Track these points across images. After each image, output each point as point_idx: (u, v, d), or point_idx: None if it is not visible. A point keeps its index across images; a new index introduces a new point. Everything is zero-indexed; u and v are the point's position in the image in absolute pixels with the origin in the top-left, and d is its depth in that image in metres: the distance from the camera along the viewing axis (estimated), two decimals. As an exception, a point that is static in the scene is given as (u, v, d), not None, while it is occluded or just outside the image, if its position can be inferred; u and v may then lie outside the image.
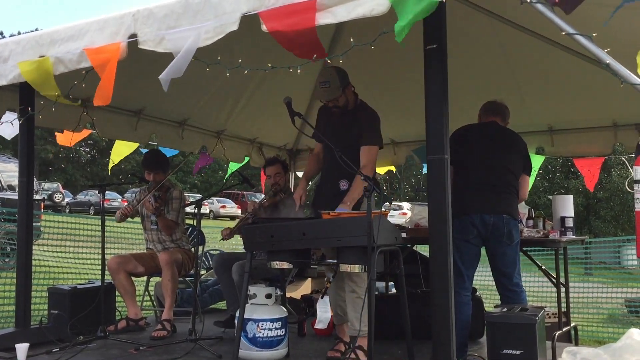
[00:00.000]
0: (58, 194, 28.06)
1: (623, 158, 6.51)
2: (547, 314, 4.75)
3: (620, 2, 2.44)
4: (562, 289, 4.53)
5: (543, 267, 4.60)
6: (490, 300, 6.95)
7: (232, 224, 5.25)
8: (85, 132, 5.43)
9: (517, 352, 3.06)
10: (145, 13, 3.07)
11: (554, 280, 4.50)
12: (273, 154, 6.90)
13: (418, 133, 5.00)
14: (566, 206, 4.68)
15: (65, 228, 8.20)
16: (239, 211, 29.33)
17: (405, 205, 28.18)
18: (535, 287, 8.14)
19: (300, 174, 7.41)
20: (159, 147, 5.82)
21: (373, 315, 3.01)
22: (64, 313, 4.43)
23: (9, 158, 13.12)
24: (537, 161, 6.21)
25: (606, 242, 12.96)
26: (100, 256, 4.63)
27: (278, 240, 3.38)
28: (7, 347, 3.88)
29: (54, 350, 3.94)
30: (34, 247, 4.49)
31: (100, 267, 4.60)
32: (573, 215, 4.68)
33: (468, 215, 3.72)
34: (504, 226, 3.73)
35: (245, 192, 32.40)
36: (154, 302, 5.75)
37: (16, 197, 4.43)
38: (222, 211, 30.56)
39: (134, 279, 4.96)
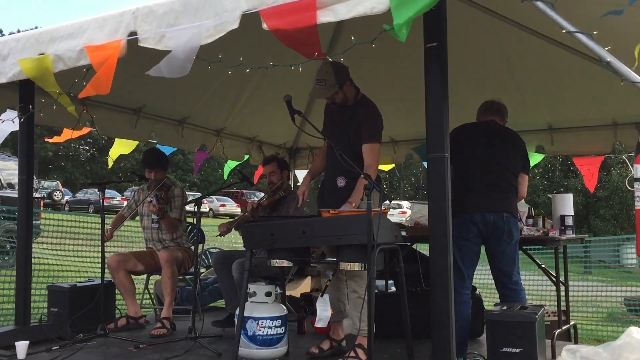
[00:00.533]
0: (58, 192, 28.03)
1: (623, 156, 6.51)
2: (547, 313, 4.76)
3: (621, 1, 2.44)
4: (562, 288, 4.53)
5: (543, 266, 4.61)
6: (490, 299, 6.96)
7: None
8: (85, 130, 5.43)
9: (517, 351, 3.06)
10: (144, 11, 3.07)
11: (553, 278, 4.50)
12: (273, 152, 6.90)
13: (418, 131, 5.00)
14: (566, 205, 4.68)
15: (65, 226, 8.21)
16: (239, 209, 29.33)
17: (405, 203, 28.21)
18: (535, 285, 8.15)
19: (299, 172, 7.42)
20: (158, 145, 5.82)
21: (373, 313, 3.01)
22: (63, 311, 4.44)
23: (9, 156, 13.10)
24: (536, 160, 6.22)
25: (605, 240, 12.97)
26: (99, 254, 4.63)
27: (278, 239, 3.38)
28: (6, 345, 3.88)
29: (53, 348, 3.94)
30: (33, 245, 4.49)
31: (100, 265, 4.60)
32: (573, 213, 4.68)
33: (468, 213, 3.72)
34: (504, 224, 3.73)
35: (244, 191, 32.40)
36: (154, 300, 5.76)
37: (16, 195, 4.43)
38: (222, 209, 30.55)
39: (133, 277, 4.97)
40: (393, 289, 5.64)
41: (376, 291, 4.32)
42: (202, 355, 3.89)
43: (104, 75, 3.08)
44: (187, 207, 5.09)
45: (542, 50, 4.24)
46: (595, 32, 2.44)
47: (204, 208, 27.42)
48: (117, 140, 5.98)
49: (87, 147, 44.54)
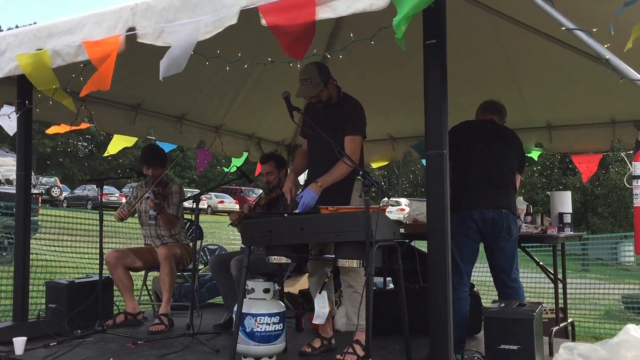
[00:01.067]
0: (56, 188, 27.99)
1: (622, 154, 6.51)
2: (545, 310, 4.77)
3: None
4: (560, 285, 4.54)
5: (541, 263, 4.61)
6: (488, 296, 6.98)
7: (230, 219, 5.23)
8: (84, 126, 5.42)
9: (515, 348, 3.07)
10: (143, 6, 3.06)
11: (551, 276, 4.51)
12: (271, 149, 6.90)
13: (417, 128, 5.00)
14: (564, 202, 4.69)
15: (63, 222, 8.20)
16: (237, 206, 29.32)
17: (404, 200, 28.22)
18: (533, 283, 8.16)
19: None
20: (157, 142, 5.81)
21: (371, 310, 3.01)
22: (61, 307, 4.43)
23: (7, 152, 13.08)
24: (534, 156, 6.23)
25: (603, 238, 13.00)
26: (98, 250, 4.63)
27: (276, 235, 3.38)
28: (4, 341, 3.88)
29: (51, 344, 3.94)
30: (31, 241, 4.49)
31: (98, 261, 4.60)
32: (571, 211, 4.69)
33: (467, 210, 3.73)
34: (503, 221, 3.74)
35: (243, 187, 32.38)
36: (152, 297, 5.76)
37: (14, 191, 4.41)
38: (220, 206, 30.52)
39: (132, 273, 4.96)
40: (391, 285, 5.65)
41: (374, 288, 4.33)
42: (200, 352, 3.89)
43: (104, 71, 3.07)
44: (186, 204, 5.09)
45: (542, 48, 4.25)
46: (594, 30, 2.44)
47: (203, 205, 27.54)
48: (115, 136, 5.97)
49: (86, 144, 44.46)
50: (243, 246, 4.83)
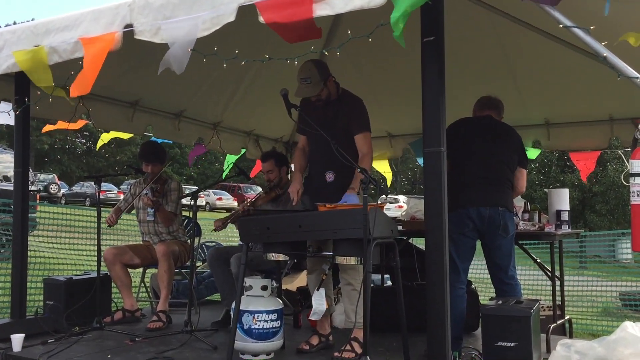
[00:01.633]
0: (54, 185, 27.98)
1: (619, 152, 6.52)
2: (542, 307, 4.77)
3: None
4: (557, 282, 4.54)
5: (538, 261, 4.62)
6: (486, 294, 6.98)
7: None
8: (81, 123, 5.41)
9: (512, 345, 3.07)
10: (141, 3, 3.06)
11: (549, 273, 4.51)
12: (269, 146, 6.89)
13: (415, 126, 4.99)
14: (562, 200, 4.69)
15: (61, 219, 8.19)
16: (235, 203, 29.32)
17: (402, 198, 28.22)
18: (530, 280, 8.17)
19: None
20: (154, 139, 5.81)
21: (369, 307, 3.02)
22: (59, 304, 4.43)
23: (5, 149, 13.06)
24: (533, 154, 6.23)
25: (601, 235, 13.02)
26: (96, 247, 4.62)
27: (274, 233, 3.38)
28: (2, 338, 3.88)
29: (49, 341, 3.94)
30: (29, 238, 4.48)
31: (96, 258, 4.60)
32: (568, 208, 4.70)
33: (464, 208, 3.73)
34: (499, 219, 3.74)
35: (241, 185, 32.37)
36: (150, 294, 5.76)
37: (11, 188, 4.41)
38: (219, 203, 30.53)
39: (130, 270, 4.96)
40: (389, 283, 5.65)
41: (372, 285, 4.34)
42: (198, 349, 3.89)
43: (86, 75, 3.06)
44: (184, 201, 5.09)
45: (540, 45, 4.24)
46: (592, 27, 2.44)
47: (201, 202, 27.55)
48: (112, 132, 5.97)
49: (84, 140, 44.40)
50: (241, 243, 4.83)
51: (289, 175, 5.14)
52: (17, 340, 3.76)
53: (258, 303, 3.53)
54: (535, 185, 24.90)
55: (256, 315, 3.47)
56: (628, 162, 2.59)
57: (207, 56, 2.93)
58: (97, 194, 4.63)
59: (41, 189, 23.99)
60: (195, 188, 5.83)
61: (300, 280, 6.18)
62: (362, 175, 3.15)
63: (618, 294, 8.98)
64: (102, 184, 4.72)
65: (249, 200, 4.94)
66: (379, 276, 5.53)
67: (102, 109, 5.14)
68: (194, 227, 4.72)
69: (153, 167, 4.95)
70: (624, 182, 2.80)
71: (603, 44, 2.43)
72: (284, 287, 5.32)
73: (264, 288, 3.58)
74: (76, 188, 31.37)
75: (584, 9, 2.75)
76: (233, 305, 3.57)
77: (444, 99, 2.85)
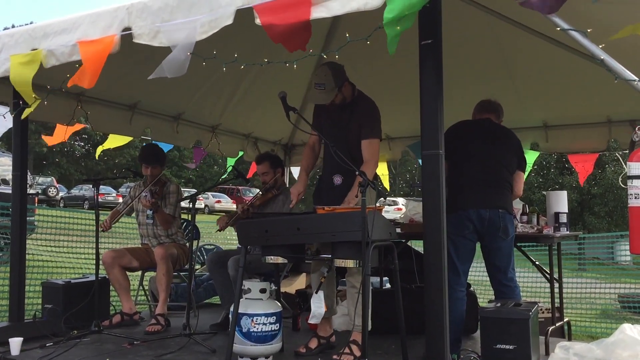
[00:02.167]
0: (52, 188, 27.93)
1: (617, 154, 6.53)
2: (541, 309, 4.77)
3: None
4: (556, 285, 4.54)
5: (537, 263, 4.62)
6: (485, 296, 6.98)
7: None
8: (79, 126, 5.42)
9: (511, 347, 3.07)
10: (139, 6, 3.06)
11: (547, 275, 4.51)
12: (268, 148, 6.89)
13: (413, 128, 5.00)
14: (560, 202, 4.70)
15: (60, 222, 8.18)
16: (234, 206, 29.28)
17: (400, 200, 28.24)
18: (529, 282, 8.17)
19: (294, 169, 7.41)
20: (153, 142, 5.81)
21: (368, 310, 3.01)
22: (57, 307, 4.43)
23: (3, 152, 13.06)
24: (531, 157, 6.23)
25: (600, 238, 13.04)
26: (94, 250, 4.62)
27: (272, 235, 3.38)
28: (0, 341, 3.87)
29: (47, 345, 3.93)
30: (27, 241, 4.48)
31: (94, 261, 4.59)
32: (567, 211, 4.70)
33: (464, 210, 3.73)
34: (499, 220, 3.74)
35: (240, 187, 32.36)
36: (149, 297, 5.75)
37: (10, 192, 4.40)
38: (217, 206, 30.50)
39: (128, 273, 4.96)
40: (388, 285, 5.65)
41: (372, 288, 4.33)
42: (196, 352, 3.89)
43: (90, 69, 3.06)
44: (183, 204, 5.09)
45: (537, 48, 4.25)
46: (589, 30, 2.44)
47: (200, 204, 27.51)
48: (110, 135, 5.97)
49: (82, 143, 44.37)
50: (240, 246, 4.83)
51: (284, 176, 5.15)
52: (15, 343, 3.76)
53: (257, 306, 3.52)
54: (533, 187, 24.91)
55: (255, 318, 3.47)
56: (626, 164, 2.59)
57: (207, 59, 2.93)
58: (95, 197, 4.63)
59: (39, 192, 23.96)
60: (194, 191, 5.82)
61: (299, 283, 6.18)
62: (359, 183, 3.14)
63: (617, 296, 8.99)
64: (101, 187, 4.73)
65: (247, 202, 4.94)
66: (378, 279, 5.53)
67: (101, 111, 5.14)
68: (193, 230, 4.72)
69: (152, 169, 4.95)
70: (622, 185, 2.80)
71: (600, 46, 2.44)
72: (282, 289, 5.31)
73: (263, 291, 3.58)
74: (75, 191, 31.34)
75: (582, 12, 2.76)
76: (232, 308, 3.57)
77: (442, 102, 2.85)
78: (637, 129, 2.54)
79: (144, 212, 5.00)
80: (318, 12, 2.58)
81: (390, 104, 5.65)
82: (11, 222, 4.32)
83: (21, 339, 3.81)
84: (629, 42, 2.55)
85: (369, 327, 3.58)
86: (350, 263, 3.17)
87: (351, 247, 3.14)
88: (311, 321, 3.47)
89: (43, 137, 5.83)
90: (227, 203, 30.71)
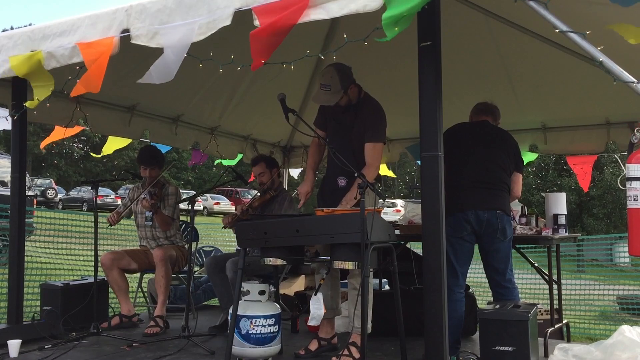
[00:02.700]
0: (51, 190, 27.91)
1: (616, 156, 6.54)
2: (540, 311, 4.78)
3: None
4: (555, 286, 4.55)
5: (536, 264, 4.62)
6: (484, 298, 6.98)
7: (226, 220, 5.22)
8: (78, 129, 5.41)
9: (510, 349, 3.07)
10: (138, 8, 3.06)
11: (546, 277, 4.52)
12: (267, 150, 6.90)
13: (412, 130, 5.00)
14: (559, 204, 4.70)
15: (58, 224, 8.18)
16: (233, 208, 29.27)
17: (399, 202, 28.24)
18: (528, 284, 8.18)
19: (293, 170, 7.40)
20: (151, 143, 5.80)
21: (366, 312, 3.01)
22: (56, 309, 4.42)
23: (2, 154, 13.02)
24: (530, 159, 6.24)
25: (598, 239, 13.05)
26: (93, 252, 4.61)
27: (271, 237, 3.38)
28: (-1, 344, 3.87)
29: (46, 347, 3.92)
30: (26, 243, 4.47)
31: (93, 263, 4.59)
32: (566, 212, 4.70)
33: (462, 212, 3.73)
34: (497, 222, 3.75)
35: (239, 189, 32.35)
36: (147, 299, 5.74)
37: (8, 193, 4.40)
38: (216, 208, 30.49)
39: (127, 275, 4.95)
40: (387, 287, 5.65)
41: (375, 289, 4.33)
42: (195, 354, 3.88)
43: (94, 73, 3.07)
44: (182, 206, 5.09)
45: (536, 50, 4.26)
46: (588, 32, 2.44)
47: (198, 206, 27.49)
48: (110, 137, 5.96)
49: (81, 145, 44.34)
50: (238, 248, 4.83)
51: (280, 177, 5.15)
52: (13, 346, 3.75)
53: (256, 308, 3.52)
54: (532, 189, 24.96)
55: (254, 320, 3.46)
56: (624, 165, 2.59)
57: (204, 61, 2.93)
58: (94, 199, 4.63)
59: (38, 194, 23.92)
60: (192, 193, 5.81)
61: (298, 284, 6.18)
62: (358, 185, 3.14)
63: (615, 297, 8.98)
64: (100, 188, 4.72)
65: (245, 203, 4.94)
66: (377, 280, 5.53)
67: (99, 113, 5.14)
68: (192, 231, 4.72)
69: (151, 171, 4.94)
70: (620, 186, 2.80)
71: (599, 48, 2.44)
72: (281, 291, 5.31)
73: (262, 293, 3.58)
74: (73, 193, 31.31)
75: (581, 13, 2.76)
76: (231, 310, 3.57)
77: (440, 103, 2.85)
78: (635, 130, 2.54)
79: (143, 214, 5.00)
80: (317, 14, 2.58)
81: (388, 105, 5.64)
82: (10, 223, 4.31)
83: (20, 341, 3.80)
84: (628, 44, 2.55)
85: (369, 329, 3.59)
86: (349, 265, 3.17)
87: (350, 248, 3.14)
88: (311, 323, 3.46)
89: (43, 145, 5.82)
90: (225, 205, 30.70)
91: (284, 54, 2.82)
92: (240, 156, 6.83)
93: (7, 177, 10.74)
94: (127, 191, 5.50)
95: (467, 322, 4.04)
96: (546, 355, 3.79)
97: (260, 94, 5.63)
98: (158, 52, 2.96)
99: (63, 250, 8.12)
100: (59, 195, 29.38)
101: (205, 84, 5.32)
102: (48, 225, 8.10)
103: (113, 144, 6.04)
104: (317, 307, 3.40)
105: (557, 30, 2.47)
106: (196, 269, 6.84)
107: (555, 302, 4.54)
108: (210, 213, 29.77)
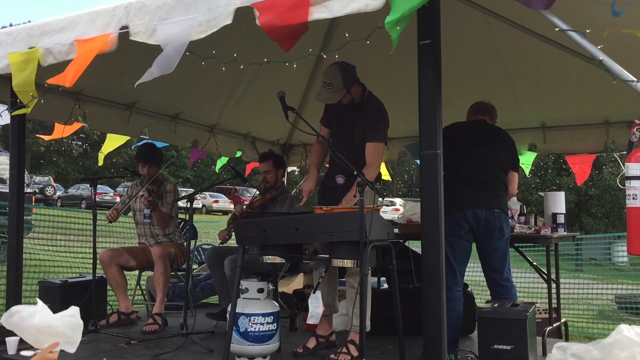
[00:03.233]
0: (49, 187, 27.86)
1: (615, 155, 6.55)
2: (538, 310, 4.78)
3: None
4: (553, 285, 4.55)
5: (534, 263, 4.62)
6: (482, 296, 6.99)
7: (224, 218, 5.23)
8: (77, 126, 5.40)
9: (508, 348, 3.08)
10: (137, 5, 3.05)
11: (544, 276, 4.52)
12: (266, 148, 6.89)
13: (411, 129, 5.00)
14: (557, 203, 4.70)
15: (57, 222, 8.17)
16: (232, 206, 29.25)
17: (398, 200, 28.24)
18: (526, 283, 8.18)
19: (292, 170, 7.39)
20: (150, 141, 5.80)
21: (365, 310, 3.01)
22: (55, 307, 4.40)
23: (0, 151, 13.02)
24: (529, 158, 6.24)
25: (597, 238, 13.06)
26: (91, 250, 4.61)
27: (270, 235, 3.38)
28: (-3, 341, 3.86)
29: (44, 344, 3.91)
30: (25, 240, 4.46)
31: (91, 260, 4.58)
32: (564, 211, 4.70)
33: (460, 210, 3.74)
34: (495, 220, 3.75)
35: (237, 187, 32.34)
36: (146, 296, 5.74)
37: (7, 191, 4.39)
38: (215, 206, 30.48)
39: (125, 272, 4.95)
40: (385, 286, 5.65)
41: (374, 287, 4.33)
42: (193, 352, 3.88)
43: (72, 68, 3.05)
44: (180, 203, 5.08)
45: (536, 48, 4.25)
46: (587, 31, 2.44)
47: (197, 204, 27.46)
48: (109, 135, 5.96)
49: (80, 143, 44.31)
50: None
51: (284, 177, 5.14)
52: (11, 343, 3.74)
53: (254, 306, 3.52)
54: (531, 188, 24.96)
55: (252, 318, 3.46)
56: (623, 165, 2.59)
57: (206, 59, 2.92)
58: (93, 196, 4.62)
59: (37, 191, 23.87)
60: (191, 190, 5.80)
61: (297, 282, 6.18)
62: (357, 183, 3.14)
63: (614, 296, 9.00)
64: (98, 186, 4.72)
65: (245, 202, 4.93)
66: (375, 279, 5.53)
67: (98, 111, 5.13)
68: (190, 229, 4.71)
69: (149, 168, 4.94)
70: (619, 185, 2.80)
71: (599, 47, 2.44)
72: (280, 289, 5.31)
73: (260, 291, 3.58)
74: (72, 190, 31.27)
75: (580, 12, 2.76)
76: (229, 308, 3.57)
77: (440, 102, 2.84)
78: (635, 129, 2.54)
79: (141, 211, 5.00)
80: (319, 13, 2.57)
81: (387, 104, 5.64)
82: (8, 221, 4.30)
83: (18, 338, 3.79)
84: (628, 43, 2.55)
85: (368, 328, 3.59)
86: (348, 263, 3.17)
87: (349, 247, 3.14)
88: (309, 321, 3.47)
89: (39, 135, 5.83)
90: (224, 203, 30.69)
91: (284, 52, 2.81)
92: (239, 153, 6.83)
93: (6, 175, 10.73)
94: (126, 189, 5.50)
95: (465, 320, 4.05)
96: (544, 354, 3.80)
97: (260, 92, 5.63)
98: (158, 49, 2.95)
99: (61, 247, 8.12)
100: (58, 193, 29.33)
101: (205, 82, 5.31)
102: (47, 222, 8.09)
103: (112, 142, 6.03)
104: (315, 305, 3.41)
105: (557, 29, 2.47)
106: (195, 266, 6.84)
107: (554, 301, 4.54)
108: (209, 211, 29.76)
